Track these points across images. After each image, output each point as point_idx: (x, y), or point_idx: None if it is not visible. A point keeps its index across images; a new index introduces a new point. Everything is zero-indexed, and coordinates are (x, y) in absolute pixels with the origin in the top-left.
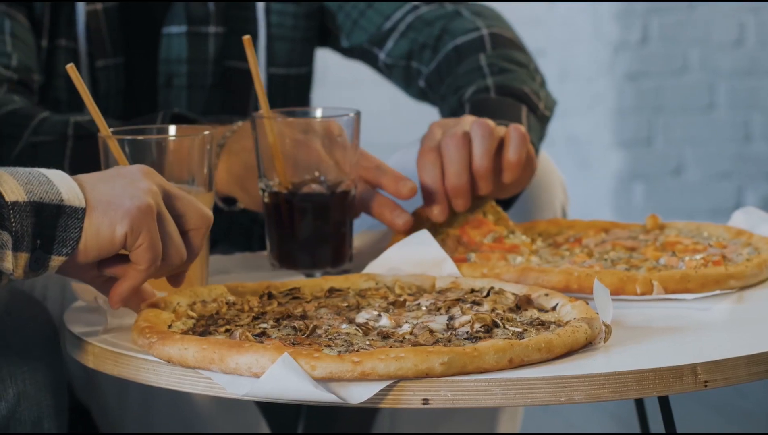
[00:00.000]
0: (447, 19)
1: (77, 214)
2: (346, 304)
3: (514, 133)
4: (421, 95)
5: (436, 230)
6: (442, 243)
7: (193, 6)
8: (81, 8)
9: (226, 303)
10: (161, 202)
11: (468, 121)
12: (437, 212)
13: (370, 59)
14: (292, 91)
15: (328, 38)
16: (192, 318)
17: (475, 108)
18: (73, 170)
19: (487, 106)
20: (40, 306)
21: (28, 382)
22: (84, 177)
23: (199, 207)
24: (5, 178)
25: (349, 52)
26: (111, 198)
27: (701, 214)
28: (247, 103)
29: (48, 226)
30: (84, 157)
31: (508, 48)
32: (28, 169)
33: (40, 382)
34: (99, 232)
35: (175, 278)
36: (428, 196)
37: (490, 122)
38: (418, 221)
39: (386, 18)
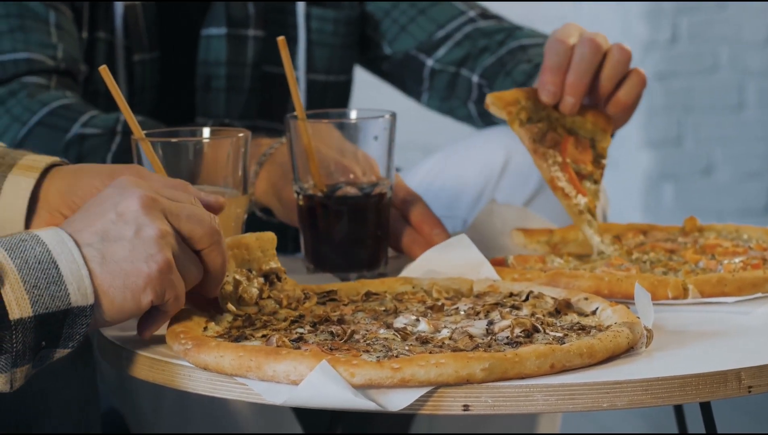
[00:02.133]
0: (507, 31)
1: (85, 313)
2: (383, 308)
3: (636, 75)
4: (453, 106)
5: (539, 115)
6: (539, 131)
7: (233, 8)
8: (119, 2)
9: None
10: (173, 242)
11: (607, 41)
12: (545, 96)
13: (413, 67)
14: (330, 100)
15: (368, 47)
16: (230, 314)
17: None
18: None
19: None
20: None
21: (61, 395)
22: (87, 236)
23: (205, 221)
24: (12, 282)
25: (387, 64)
26: (125, 266)
27: (731, 214)
28: (284, 108)
29: (53, 332)
30: (127, 153)
31: None
32: (37, 251)
33: (71, 396)
34: (123, 308)
35: (209, 292)
36: (545, 80)
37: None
38: (512, 102)
39: (439, 26)
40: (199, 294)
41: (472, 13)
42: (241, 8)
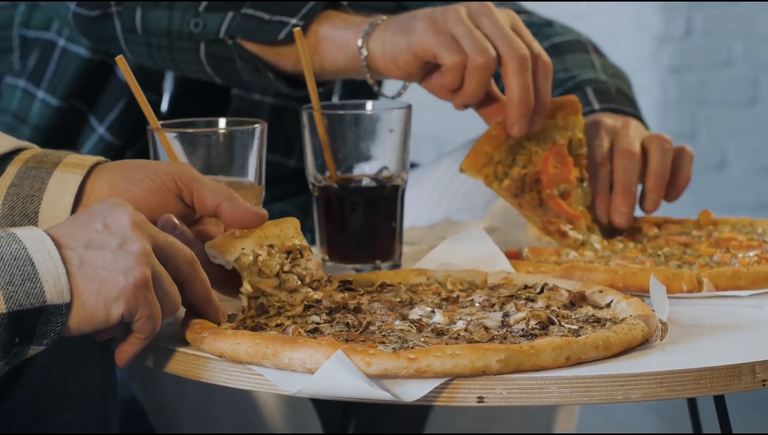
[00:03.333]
0: (538, 26)
1: (60, 311)
2: (398, 300)
3: (685, 155)
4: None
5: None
6: (517, 181)
7: None
8: None
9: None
10: (155, 262)
11: (641, 135)
12: (619, 218)
13: None
14: (363, 92)
15: None
16: (244, 297)
17: (598, 94)
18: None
19: (609, 98)
20: None
21: (81, 385)
22: (69, 241)
23: (183, 252)
24: None
25: None
26: (102, 273)
27: (744, 208)
28: (330, 94)
29: (27, 329)
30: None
31: (607, 59)
32: (13, 248)
33: (92, 385)
34: (93, 315)
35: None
36: (619, 203)
37: (668, 144)
38: (485, 162)
39: None
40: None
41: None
42: None
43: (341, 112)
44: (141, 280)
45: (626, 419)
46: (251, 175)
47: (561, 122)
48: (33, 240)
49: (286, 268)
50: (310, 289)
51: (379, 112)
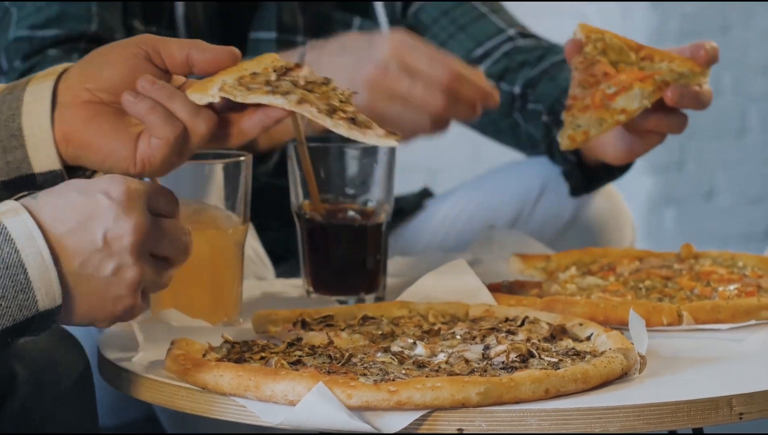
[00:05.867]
0: (545, 49)
1: (52, 314)
2: (380, 332)
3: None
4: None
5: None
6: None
7: (284, 13)
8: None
9: None
10: (148, 283)
11: None
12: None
13: None
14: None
15: None
16: (227, 343)
17: None
18: None
19: None
20: (73, 340)
21: (60, 424)
22: (70, 258)
23: (182, 243)
24: None
25: None
26: (92, 299)
27: (733, 239)
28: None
29: (18, 334)
30: None
31: None
32: (5, 253)
33: (72, 423)
34: (80, 322)
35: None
36: None
37: None
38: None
39: (478, 44)
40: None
41: (511, 32)
42: (292, 15)
43: (326, 144)
44: (129, 308)
45: None
46: (235, 210)
47: (677, 67)
48: (25, 237)
49: (274, 78)
50: (306, 91)
51: (364, 145)
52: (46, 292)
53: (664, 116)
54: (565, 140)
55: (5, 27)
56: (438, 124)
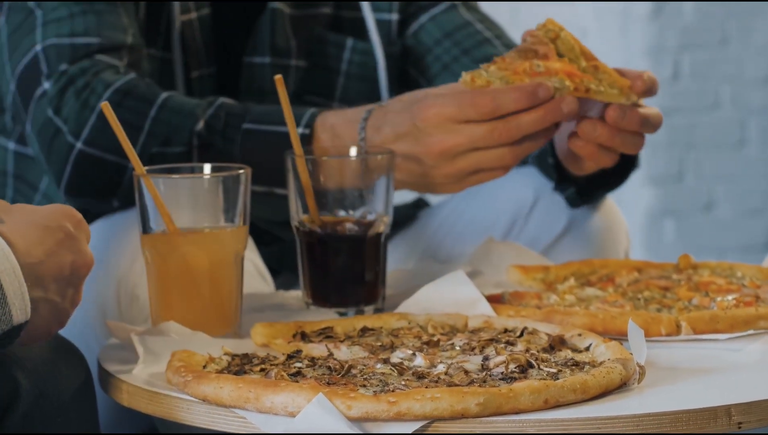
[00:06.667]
0: None
1: (21, 327)
2: (379, 344)
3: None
4: None
5: None
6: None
7: (277, 37)
8: (176, 18)
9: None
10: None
11: None
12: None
13: None
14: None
15: (407, 81)
16: (227, 355)
17: None
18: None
19: None
20: (75, 351)
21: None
22: (38, 276)
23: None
24: None
25: None
26: (46, 320)
27: (732, 251)
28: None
29: None
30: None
31: None
32: None
33: (73, 431)
34: (33, 339)
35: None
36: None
37: None
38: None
39: None
40: None
41: None
42: (285, 38)
43: (324, 157)
44: (64, 324)
45: None
46: (235, 220)
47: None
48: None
49: None
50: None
51: (362, 158)
52: (20, 307)
53: (616, 133)
54: (465, 76)
55: (30, 28)
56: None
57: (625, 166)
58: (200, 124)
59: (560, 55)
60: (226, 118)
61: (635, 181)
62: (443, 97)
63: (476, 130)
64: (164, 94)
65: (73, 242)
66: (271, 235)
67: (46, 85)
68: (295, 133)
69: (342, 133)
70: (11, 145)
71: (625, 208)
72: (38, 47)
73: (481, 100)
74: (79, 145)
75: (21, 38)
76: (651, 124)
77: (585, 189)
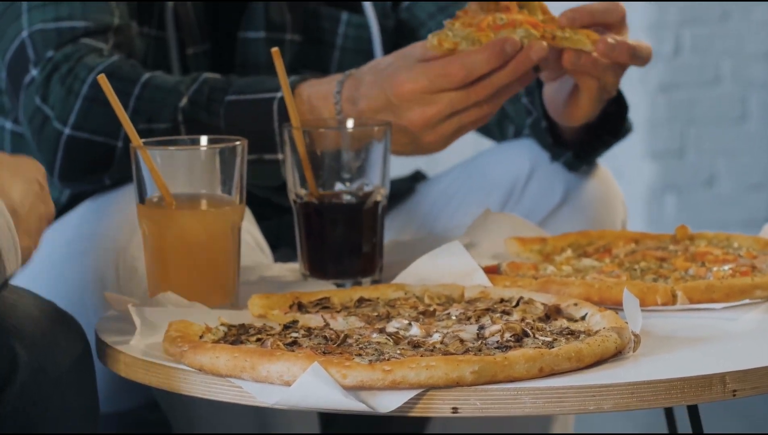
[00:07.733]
0: None
1: (8, 281)
2: (376, 314)
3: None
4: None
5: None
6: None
7: (271, 12)
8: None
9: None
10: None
11: None
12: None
13: None
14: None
15: None
16: (224, 326)
17: None
18: None
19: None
20: (73, 322)
21: (59, 406)
22: (26, 222)
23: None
24: None
25: None
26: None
27: (733, 226)
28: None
29: None
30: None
31: None
32: None
33: (71, 407)
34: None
35: None
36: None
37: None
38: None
39: None
40: None
41: None
42: (279, 13)
43: (321, 129)
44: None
45: (604, 423)
46: (232, 192)
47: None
48: None
49: None
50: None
51: (358, 129)
52: (12, 259)
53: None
54: (432, 39)
55: (16, 14)
56: (495, 104)
57: (618, 121)
58: (184, 100)
59: (523, 8)
60: (210, 92)
61: (636, 156)
62: (414, 72)
63: (453, 96)
64: (147, 74)
65: (45, 194)
66: (270, 209)
67: (34, 72)
68: (292, 105)
69: (318, 105)
70: (8, 125)
71: (627, 184)
72: (24, 33)
73: (452, 69)
74: (67, 130)
75: (7, 25)
76: (640, 57)
77: (582, 151)
